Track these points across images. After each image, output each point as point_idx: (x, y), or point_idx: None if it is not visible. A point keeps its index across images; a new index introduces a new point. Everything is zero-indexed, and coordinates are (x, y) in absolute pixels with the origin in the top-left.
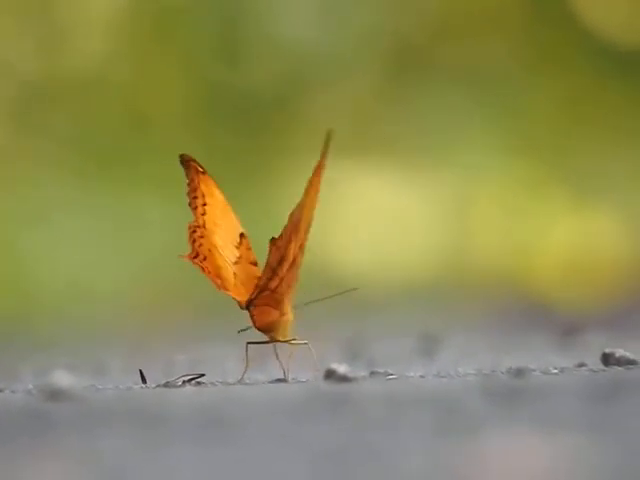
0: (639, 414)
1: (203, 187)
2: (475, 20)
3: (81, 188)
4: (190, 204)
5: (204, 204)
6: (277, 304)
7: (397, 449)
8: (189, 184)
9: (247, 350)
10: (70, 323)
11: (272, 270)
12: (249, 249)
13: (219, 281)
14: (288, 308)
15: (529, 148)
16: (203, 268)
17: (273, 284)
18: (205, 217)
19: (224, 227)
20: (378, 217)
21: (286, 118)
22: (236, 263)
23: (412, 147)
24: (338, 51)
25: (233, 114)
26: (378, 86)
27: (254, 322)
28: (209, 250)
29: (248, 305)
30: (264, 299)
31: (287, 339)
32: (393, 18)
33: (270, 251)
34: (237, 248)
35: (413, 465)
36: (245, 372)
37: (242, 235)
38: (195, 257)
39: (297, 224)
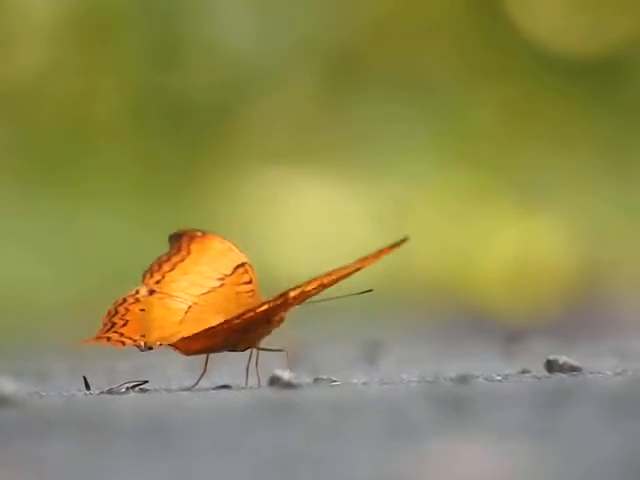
0: (583, 421)
1: (195, 248)
2: (414, 28)
3: (21, 193)
4: (150, 269)
5: (180, 260)
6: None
7: (341, 456)
8: (170, 256)
9: (207, 357)
10: (12, 330)
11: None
12: (247, 282)
13: (142, 338)
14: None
15: (469, 155)
16: (109, 338)
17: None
18: (173, 272)
19: (200, 270)
20: (317, 224)
21: (224, 126)
22: (207, 293)
23: (351, 154)
24: (276, 58)
25: (171, 122)
26: (317, 93)
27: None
28: (141, 310)
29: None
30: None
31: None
32: (331, 26)
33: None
34: (222, 279)
35: (357, 472)
36: (201, 378)
37: (239, 266)
38: (109, 329)
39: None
